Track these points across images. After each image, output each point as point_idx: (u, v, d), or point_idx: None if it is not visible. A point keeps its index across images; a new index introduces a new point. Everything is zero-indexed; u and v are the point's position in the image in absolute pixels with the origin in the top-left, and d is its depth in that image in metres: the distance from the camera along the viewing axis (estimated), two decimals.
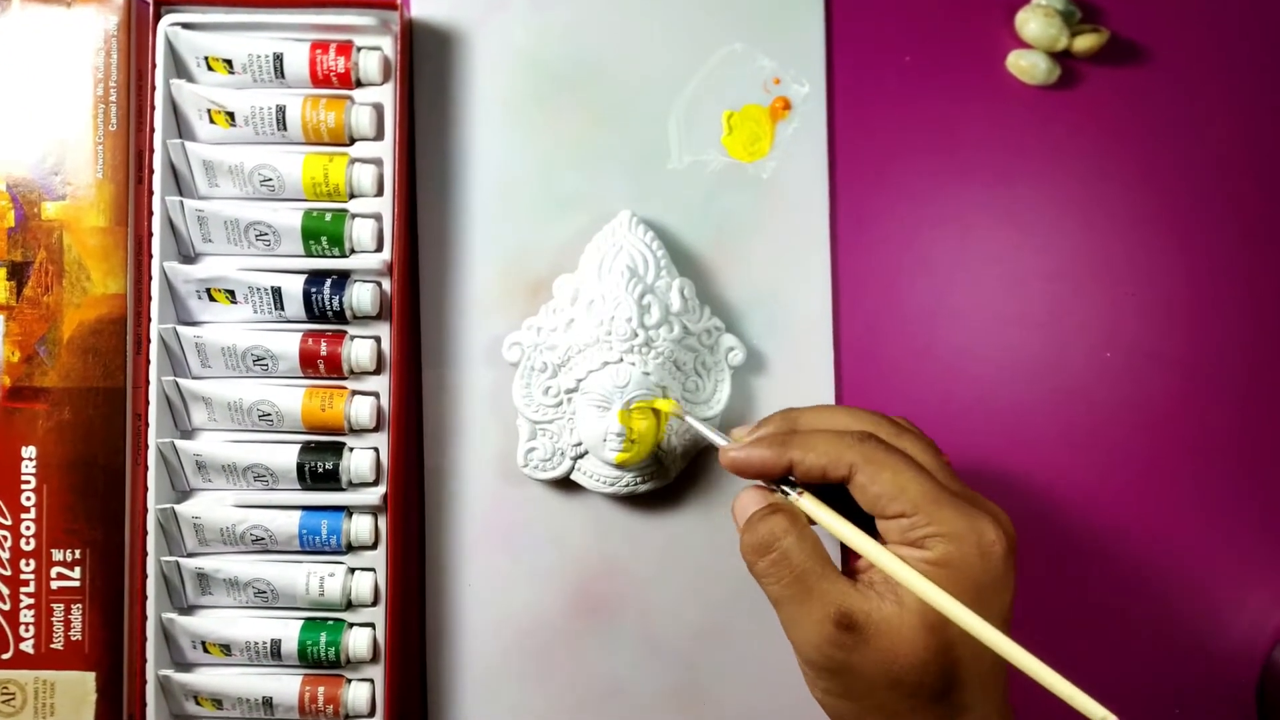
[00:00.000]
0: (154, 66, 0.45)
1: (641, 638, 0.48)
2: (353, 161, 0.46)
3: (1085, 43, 0.48)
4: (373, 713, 0.46)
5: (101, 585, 0.45)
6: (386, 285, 0.46)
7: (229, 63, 0.45)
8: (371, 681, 0.46)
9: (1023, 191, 0.50)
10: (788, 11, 0.49)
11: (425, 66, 0.48)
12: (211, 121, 0.46)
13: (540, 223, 0.48)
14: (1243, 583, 0.50)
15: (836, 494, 0.36)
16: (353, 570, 0.46)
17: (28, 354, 0.45)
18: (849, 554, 0.37)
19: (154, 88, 0.45)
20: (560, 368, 0.46)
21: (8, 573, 0.45)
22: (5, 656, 0.45)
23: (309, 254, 0.46)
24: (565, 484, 0.48)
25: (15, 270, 0.45)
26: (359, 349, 0.46)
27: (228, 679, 0.46)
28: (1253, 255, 0.50)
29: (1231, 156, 0.50)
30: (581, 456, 0.47)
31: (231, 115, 0.45)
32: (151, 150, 0.45)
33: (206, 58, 0.45)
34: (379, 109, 0.46)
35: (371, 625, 0.46)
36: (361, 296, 0.45)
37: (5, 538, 0.45)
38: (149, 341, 0.45)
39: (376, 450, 0.46)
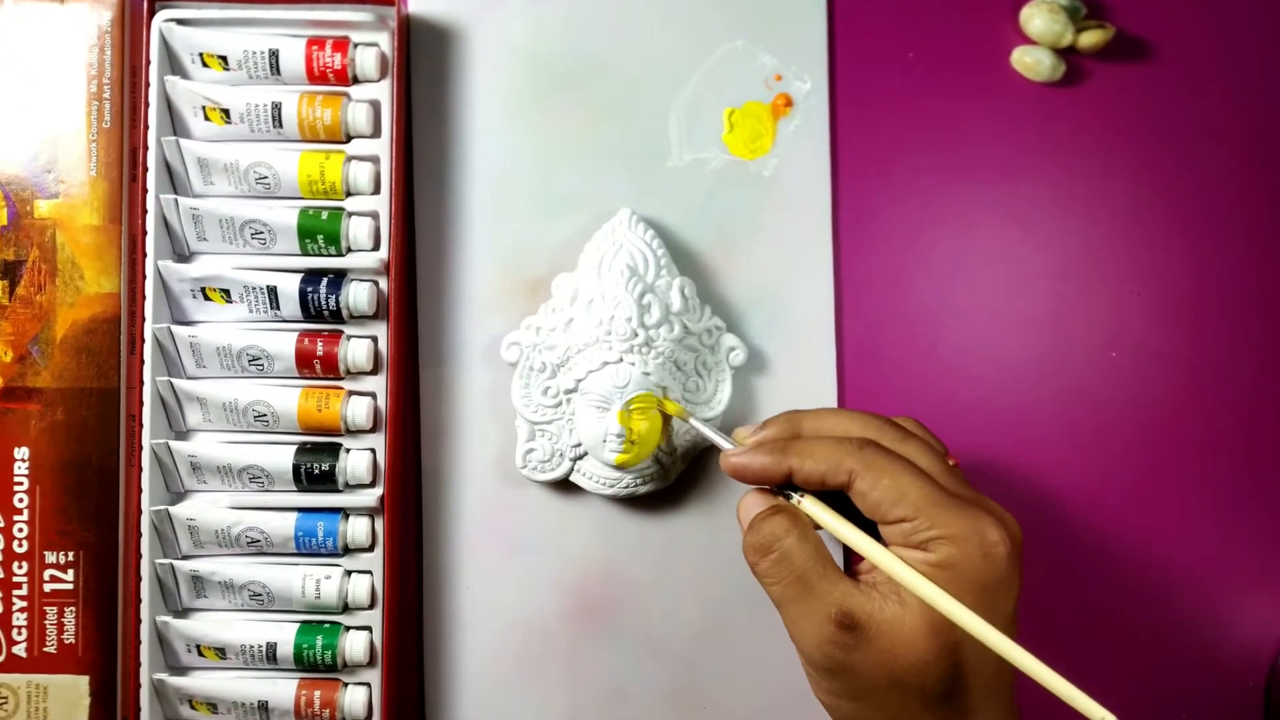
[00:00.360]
0: (148, 63, 0.45)
1: (641, 641, 0.48)
2: (349, 159, 0.45)
3: (1090, 39, 0.48)
4: (370, 717, 0.45)
5: (95, 588, 0.45)
6: (383, 284, 0.46)
7: (224, 59, 0.45)
8: (368, 686, 0.46)
9: (1027, 189, 0.50)
10: (789, 7, 0.49)
11: (423, 63, 0.48)
12: (206, 118, 0.45)
13: (539, 221, 0.48)
14: (1249, 585, 0.49)
15: (842, 498, 0.36)
16: (349, 573, 0.46)
17: (20, 354, 0.45)
18: (853, 557, 0.37)
19: (148, 84, 0.45)
20: (559, 368, 0.45)
21: (0, 575, 0.44)
22: None
23: (305, 253, 0.46)
24: (564, 486, 0.47)
25: (8, 269, 0.45)
26: (355, 349, 0.45)
27: (223, 683, 0.45)
28: (1260, 253, 0.50)
29: (1238, 153, 0.50)
30: (581, 458, 0.46)
31: (226, 112, 0.45)
32: (145, 148, 0.45)
33: (201, 54, 0.45)
34: (376, 106, 0.46)
35: (368, 629, 0.46)
36: (358, 296, 0.45)
37: None
38: (143, 341, 0.45)
39: (373, 451, 0.46)
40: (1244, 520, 0.49)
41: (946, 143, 0.49)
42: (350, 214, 0.45)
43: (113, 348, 0.45)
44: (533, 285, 0.48)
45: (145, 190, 0.45)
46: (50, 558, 0.44)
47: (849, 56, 0.49)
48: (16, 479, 0.44)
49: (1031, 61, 0.49)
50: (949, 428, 0.48)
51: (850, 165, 0.49)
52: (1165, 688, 0.49)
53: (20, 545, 0.44)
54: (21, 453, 0.44)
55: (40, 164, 0.45)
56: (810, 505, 0.36)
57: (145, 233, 0.44)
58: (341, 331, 0.46)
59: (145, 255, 0.44)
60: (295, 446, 0.45)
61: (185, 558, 0.46)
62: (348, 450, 0.45)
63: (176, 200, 0.45)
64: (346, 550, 0.46)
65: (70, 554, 0.44)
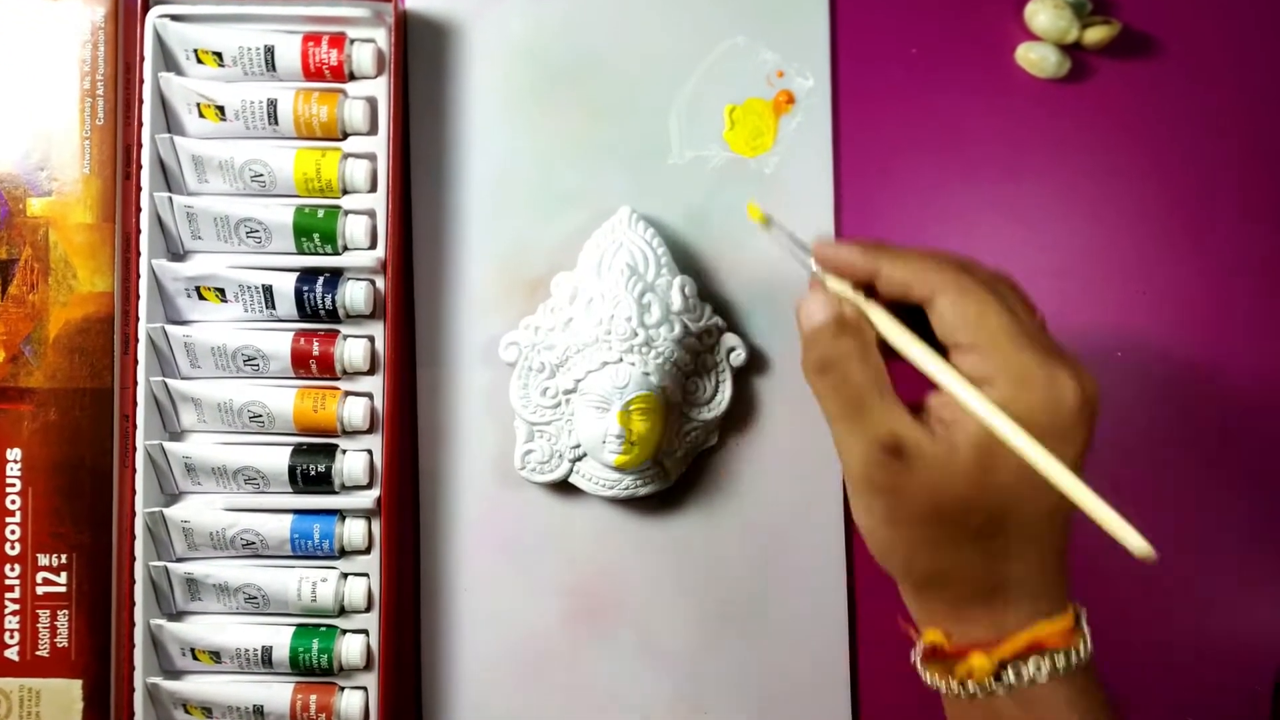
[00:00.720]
0: (142, 59, 0.44)
1: (641, 644, 0.48)
2: (346, 156, 0.45)
3: (1096, 35, 0.48)
4: None
5: (88, 591, 0.44)
6: (380, 283, 0.45)
7: (219, 55, 0.45)
8: (365, 690, 0.45)
9: (1031, 187, 0.49)
10: (791, 3, 0.48)
11: (420, 59, 0.48)
12: (201, 116, 0.45)
13: (538, 219, 0.48)
14: (1255, 587, 0.49)
15: (918, 321, 0.35)
16: (346, 575, 0.45)
17: (13, 354, 0.44)
18: (918, 387, 0.35)
19: (142, 81, 0.44)
20: (558, 368, 0.45)
21: None
22: None
23: (301, 251, 0.45)
24: (563, 487, 0.47)
25: (0, 268, 0.44)
26: (352, 349, 0.45)
27: (217, 687, 0.45)
28: (1267, 252, 0.49)
29: (1244, 150, 0.50)
30: (580, 459, 0.46)
31: (221, 109, 0.45)
32: (139, 145, 0.44)
33: (196, 50, 0.45)
34: (372, 103, 0.45)
35: (365, 632, 0.45)
36: (355, 295, 0.45)
37: None
38: (137, 341, 0.44)
39: (370, 453, 0.45)
40: (1250, 520, 0.49)
41: (950, 140, 0.49)
42: (347, 212, 0.45)
43: (106, 347, 0.44)
44: (531, 284, 0.47)
45: (139, 188, 0.44)
46: (43, 560, 0.44)
47: (851, 53, 0.49)
48: (9, 480, 0.44)
49: (1036, 58, 0.48)
50: None
51: (853, 163, 0.49)
52: (1168, 692, 0.49)
53: (12, 548, 0.44)
54: (14, 454, 0.44)
55: (33, 162, 0.44)
56: (877, 313, 0.35)
57: (139, 231, 0.44)
58: (338, 331, 0.45)
59: (139, 254, 0.44)
60: (291, 448, 0.45)
61: (180, 560, 0.46)
62: (344, 451, 0.45)
63: (171, 198, 0.44)
64: (343, 553, 0.45)
65: (63, 556, 0.44)
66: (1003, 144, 0.49)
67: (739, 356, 0.47)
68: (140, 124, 0.44)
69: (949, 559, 0.33)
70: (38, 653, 0.44)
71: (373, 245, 0.45)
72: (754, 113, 0.48)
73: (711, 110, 0.48)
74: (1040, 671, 0.33)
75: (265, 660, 0.45)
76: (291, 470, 0.45)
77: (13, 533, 0.44)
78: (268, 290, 0.45)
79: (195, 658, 0.45)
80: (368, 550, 0.45)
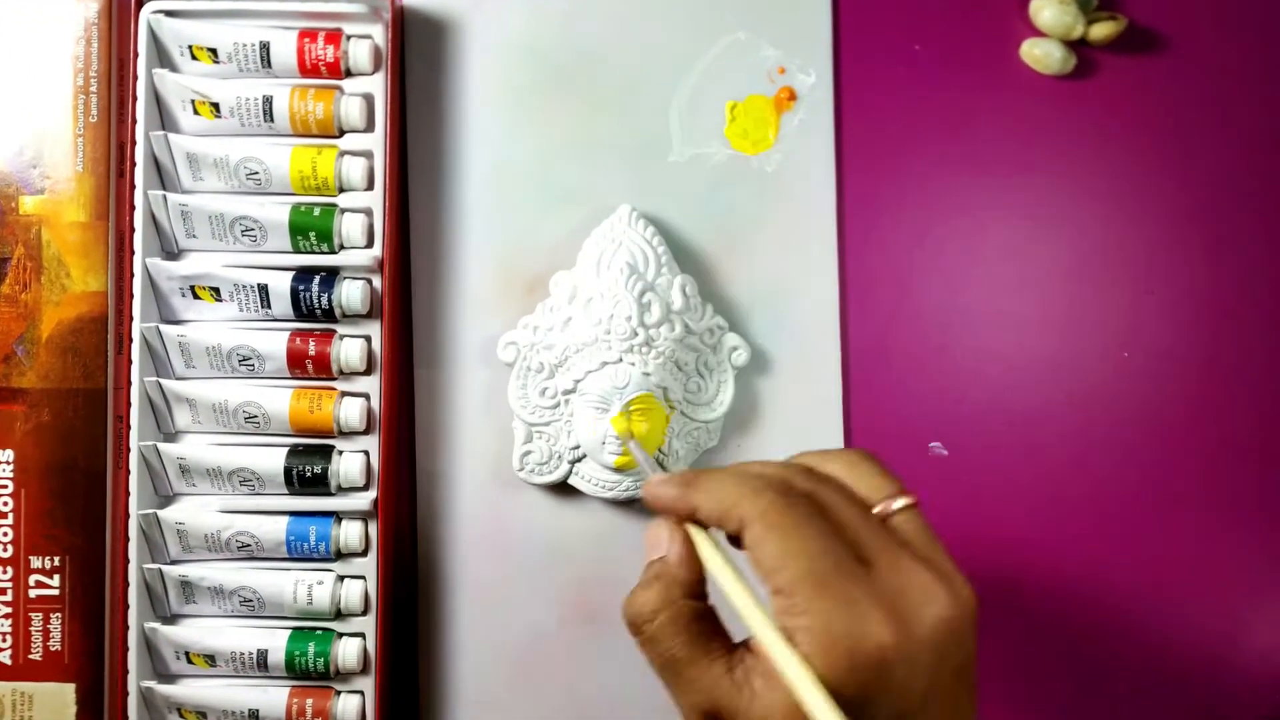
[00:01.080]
0: (136, 56, 0.44)
1: None
2: (342, 154, 0.45)
3: (1102, 31, 0.47)
4: None
5: (81, 593, 0.44)
6: (377, 282, 0.45)
7: (214, 52, 0.45)
8: (362, 694, 0.45)
9: (1037, 185, 0.49)
10: None
11: (417, 56, 0.48)
12: (195, 113, 0.45)
13: (537, 218, 0.47)
14: (1263, 591, 0.49)
15: None
16: (342, 578, 0.45)
17: (5, 354, 0.44)
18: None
19: (136, 78, 0.44)
20: (557, 368, 0.45)
21: None
22: None
23: (297, 250, 0.45)
24: (562, 488, 0.47)
25: None
26: (349, 349, 0.45)
27: (212, 691, 0.45)
28: (1276, 250, 0.49)
29: (1253, 147, 0.49)
30: (579, 460, 0.46)
31: (216, 106, 0.44)
32: (133, 142, 0.44)
33: (190, 46, 0.45)
34: (369, 100, 0.45)
35: (362, 635, 0.45)
36: (351, 294, 0.44)
37: None
38: (131, 341, 0.44)
39: (367, 454, 0.45)
40: (1258, 522, 0.49)
41: (954, 137, 0.49)
42: (343, 210, 0.45)
43: (100, 347, 0.44)
44: (530, 283, 0.47)
45: (133, 186, 0.44)
46: (36, 562, 0.44)
47: (854, 49, 0.49)
48: (1, 482, 0.44)
49: (1041, 54, 0.48)
50: (958, 429, 0.48)
51: (855, 160, 0.48)
52: (1174, 698, 0.49)
53: (5, 550, 0.44)
54: (6, 455, 0.44)
55: (26, 159, 0.44)
56: (705, 547, 0.32)
57: (133, 229, 0.44)
58: (334, 331, 0.45)
59: (133, 252, 0.44)
60: (287, 449, 0.45)
61: (174, 563, 0.45)
62: (340, 452, 0.45)
63: (165, 196, 0.44)
64: (339, 555, 0.45)
65: (56, 559, 0.44)
66: (1008, 141, 0.49)
67: (741, 356, 0.46)
68: (134, 121, 0.44)
69: None
70: (30, 656, 0.44)
71: (369, 244, 0.45)
72: (755, 109, 0.48)
73: (712, 107, 0.48)
74: None
75: (261, 664, 0.44)
76: (287, 471, 0.44)
77: (5, 535, 0.44)
78: (263, 289, 0.44)
79: (190, 661, 0.45)
80: (364, 552, 0.45)
